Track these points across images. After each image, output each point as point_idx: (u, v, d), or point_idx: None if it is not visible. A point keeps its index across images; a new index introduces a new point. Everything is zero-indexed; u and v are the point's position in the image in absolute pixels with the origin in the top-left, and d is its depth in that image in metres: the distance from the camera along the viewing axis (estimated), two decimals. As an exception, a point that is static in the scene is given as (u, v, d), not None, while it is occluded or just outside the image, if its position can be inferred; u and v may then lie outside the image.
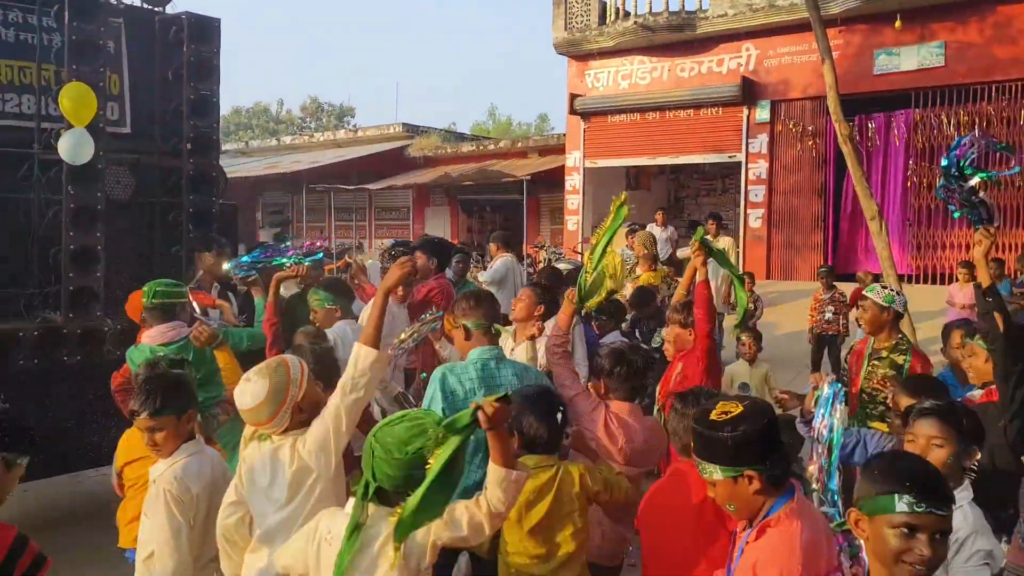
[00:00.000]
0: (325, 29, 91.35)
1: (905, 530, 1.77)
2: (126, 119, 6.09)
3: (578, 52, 16.40)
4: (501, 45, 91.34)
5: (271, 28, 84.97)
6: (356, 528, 2.29)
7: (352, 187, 19.73)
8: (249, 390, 2.63)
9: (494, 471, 2.31)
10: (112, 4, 5.77)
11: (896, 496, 1.78)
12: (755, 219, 14.70)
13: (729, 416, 2.15)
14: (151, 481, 2.94)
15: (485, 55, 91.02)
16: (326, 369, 3.37)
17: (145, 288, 4.47)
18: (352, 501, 2.37)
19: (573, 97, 16.41)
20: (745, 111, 14.60)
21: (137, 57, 6.08)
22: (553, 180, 17.63)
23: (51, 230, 5.48)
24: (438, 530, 2.31)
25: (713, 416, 2.18)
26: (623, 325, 6.26)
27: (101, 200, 5.54)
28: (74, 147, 5.24)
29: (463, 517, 2.32)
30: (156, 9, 6.10)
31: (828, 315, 9.46)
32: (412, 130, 22.08)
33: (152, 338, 4.33)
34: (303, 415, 2.70)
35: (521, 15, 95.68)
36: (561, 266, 10.26)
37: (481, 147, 20.91)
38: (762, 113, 14.47)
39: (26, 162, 5.48)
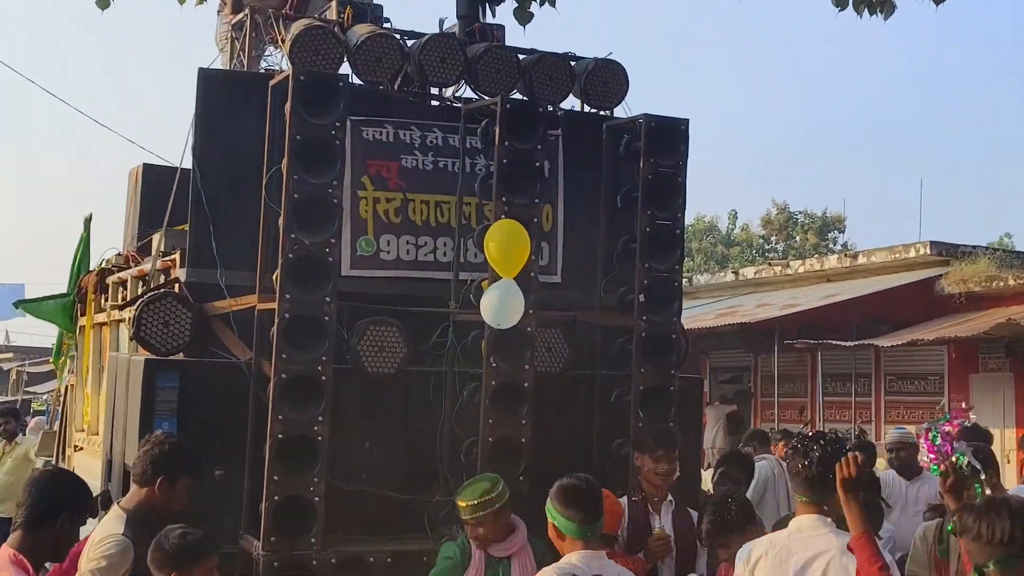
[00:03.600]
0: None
1: None
2: (557, 265, 4.66)
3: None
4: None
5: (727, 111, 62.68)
6: None
7: (850, 343, 13.56)
8: None
9: None
10: (551, 112, 4.42)
11: None
12: None
13: None
14: None
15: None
16: None
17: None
18: None
19: None
20: None
21: (575, 179, 4.66)
22: None
23: (465, 416, 4.15)
24: None
25: None
26: None
27: (529, 375, 4.14)
28: (500, 306, 3.82)
29: None
30: (603, 113, 4.66)
31: None
32: (946, 250, 14.56)
33: None
34: None
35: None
36: None
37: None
38: None
39: (439, 324, 4.19)
